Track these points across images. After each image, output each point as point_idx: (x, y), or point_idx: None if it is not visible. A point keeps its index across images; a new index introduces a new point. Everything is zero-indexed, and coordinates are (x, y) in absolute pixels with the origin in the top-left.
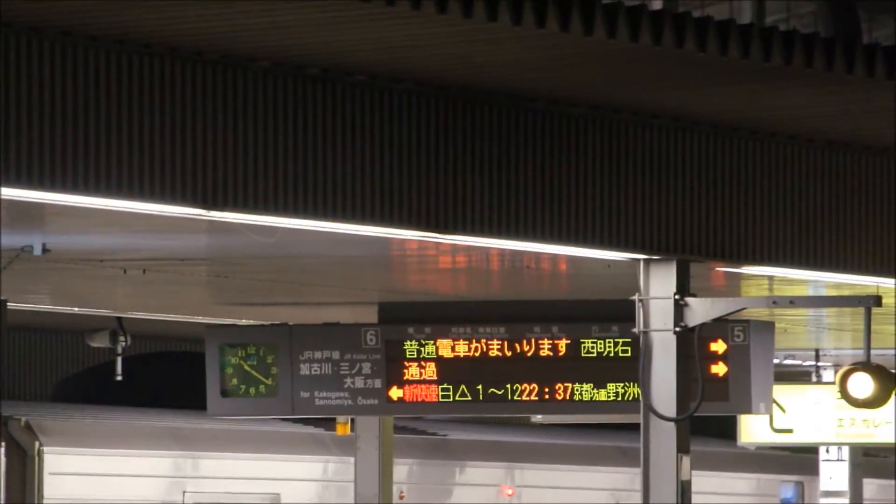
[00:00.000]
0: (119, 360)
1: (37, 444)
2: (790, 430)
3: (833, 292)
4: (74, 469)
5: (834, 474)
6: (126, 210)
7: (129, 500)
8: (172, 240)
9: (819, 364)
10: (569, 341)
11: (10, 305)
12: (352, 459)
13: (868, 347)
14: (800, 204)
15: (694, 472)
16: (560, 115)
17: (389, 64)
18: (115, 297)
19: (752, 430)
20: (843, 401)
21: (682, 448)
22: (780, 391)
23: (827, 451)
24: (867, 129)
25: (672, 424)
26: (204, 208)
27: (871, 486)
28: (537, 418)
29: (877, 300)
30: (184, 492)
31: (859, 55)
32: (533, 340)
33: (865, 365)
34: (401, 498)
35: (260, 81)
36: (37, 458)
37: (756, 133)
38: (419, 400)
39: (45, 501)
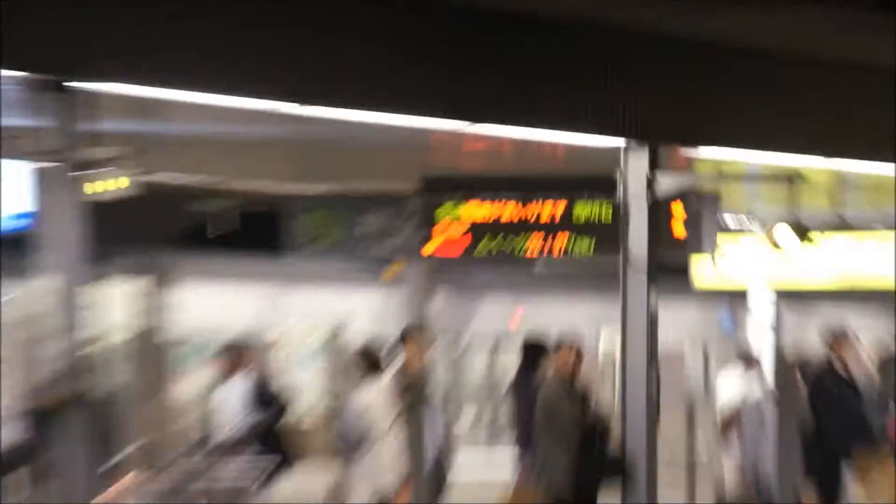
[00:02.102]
0: None
1: None
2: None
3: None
4: None
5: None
6: None
7: None
8: None
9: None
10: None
11: None
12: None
13: (790, 210)
14: (745, 93)
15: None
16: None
17: None
18: None
19: (704, 278)
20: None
21: (652, 289)
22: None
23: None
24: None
25: (644, 274)
26: None
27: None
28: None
29: (798, 176)
30: None
31: None
32: (539, 204)
33: (789, 222)
34: None
35: None
36: None
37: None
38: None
39: None
